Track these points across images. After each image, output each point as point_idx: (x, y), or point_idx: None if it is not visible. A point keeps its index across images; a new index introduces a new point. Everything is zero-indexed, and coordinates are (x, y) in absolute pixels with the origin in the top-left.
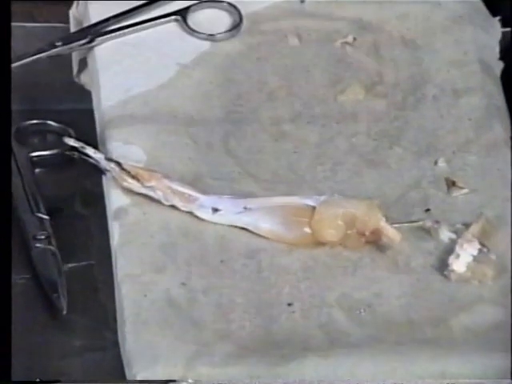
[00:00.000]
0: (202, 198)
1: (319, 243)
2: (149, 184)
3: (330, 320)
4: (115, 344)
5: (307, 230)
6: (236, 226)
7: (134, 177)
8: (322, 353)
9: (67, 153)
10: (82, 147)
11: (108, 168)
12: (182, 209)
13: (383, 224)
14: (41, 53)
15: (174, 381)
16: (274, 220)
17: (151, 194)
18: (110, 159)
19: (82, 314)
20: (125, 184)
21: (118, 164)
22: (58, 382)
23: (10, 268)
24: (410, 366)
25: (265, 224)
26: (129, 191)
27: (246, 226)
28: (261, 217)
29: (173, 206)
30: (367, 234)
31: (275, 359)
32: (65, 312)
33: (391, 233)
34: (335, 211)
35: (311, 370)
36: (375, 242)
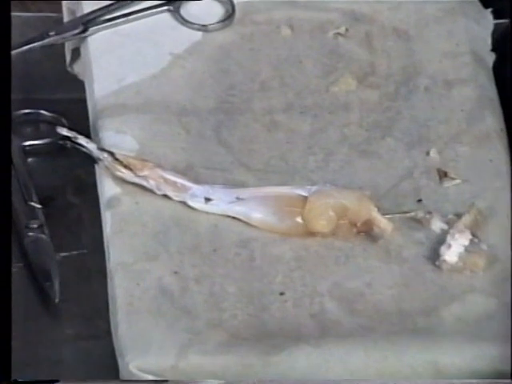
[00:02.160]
0: (195, 187)
1: (311, 233)
2: (141, 173)
3: (321, 309)
4: (108, 332)
5: (299, 220)
6: (228, 216)
7: (126, 166)
8: (313, 342)
9: (60, 142)
10: (75, 137)
11: (100, 157)
12: (175, 198)
13: (375, 214)
14: (34, 42)
15: (167, 381)
16: (266, 210)
17: (144, 183)
18: (102, 149)
19: (74, 302)
20: (117, 173)
21: (111, 154)
22: (57, 381)
23: (9, 270)
24: (401, 355)
25: (257, 214)
26: (121, 180)
27: (238, 216)
28: (253, 207)
29: (165, 196)
30: (359, 224)
31: (267, 348)
32: (57, 300)
33: (383, 223)
34: (327, 202)
35: (303, 358)
36: (367, 232)
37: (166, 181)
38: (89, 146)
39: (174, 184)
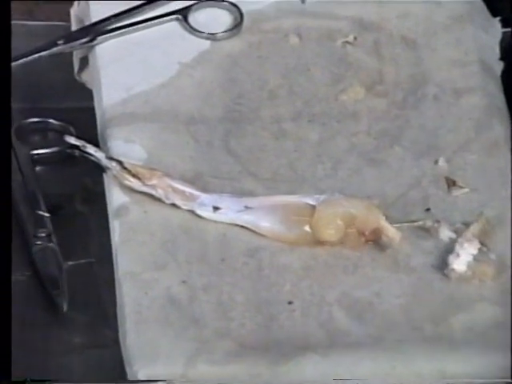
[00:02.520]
0: (203, 196)
1: (319, 242)
2: (150, 182)
3: (330, 318)
4: (116, 341)
5: (307, 229)
6: (236, 225)
7: (134, 175)
8: (322, 351)
9: (68, 151)
10: (83, 146)
11: (109, 166)
12: (183, 207)
13: (383, 223)
14: (42, 51)
15: (164, 380)
16: (275, 219)
17: (152, 192)
18: (110, 158)
19: (82, 311)
20: (126, 182)
21: (119, 162)
22: (56, 381)
23: (9, 269)
24: (409, 364)
25: (265, 223)
26: (130, 189)
27: (246, 225)
28: (261, 216)
29: (174, 205)
30: (367, 233)
31: (275, 357)
32: (65, 309)
33: (391, 232)
34: (335, 211)
35: (311, 368)
36: (375, 241)
37: (175, 190)
38: (97, 154)
39: (183, 193)
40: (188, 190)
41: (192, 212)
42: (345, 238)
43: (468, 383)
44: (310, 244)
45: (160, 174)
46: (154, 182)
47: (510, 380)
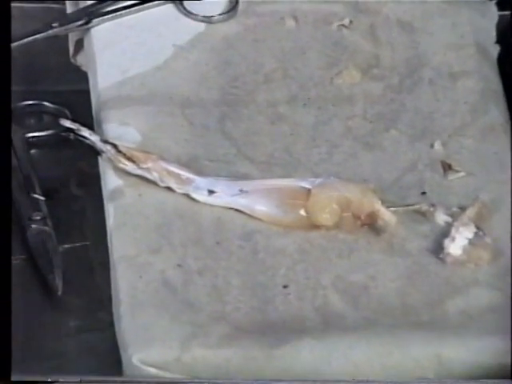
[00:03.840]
0: (198, 179)
1: (314, 226)
2: (144, 165)
3: (325, 302)
4: (110, 325)
5: (302, 212)
6: (232, 208)
7: (129, 158)
8: (317, 335)
9: (63, 134)
10: (78, 129)
11: (104, 149)
12: (178, 191)
13: (378, 207)
14: (37, 34)
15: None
16: (270, 202)
17: (147, 175)
18: (105, 141)
19: (77, 294)
20: (120, 165)
21: (114, 146)
22: (56, 381)
23: (9, 270)
24: (405, 348)
25: (260, 206)
26: (124, 172)
27: (241, 209)
28: (256, 199)
29: (168, 188)
30: (362, 217)
31: (270, 341)
32: (60, 293)
33: (387, 216)
34: (330, 195)
35: (306, 351)
36: (371, 225)
37: (170, 173)
38: (92, 137)
39: (178, 176)
40: (183, 173)
41: (187, 195)
42: (340, 221)
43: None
44: (305, 228)
45: (155, 157)
46: (148, 165)
47: (510, 381)
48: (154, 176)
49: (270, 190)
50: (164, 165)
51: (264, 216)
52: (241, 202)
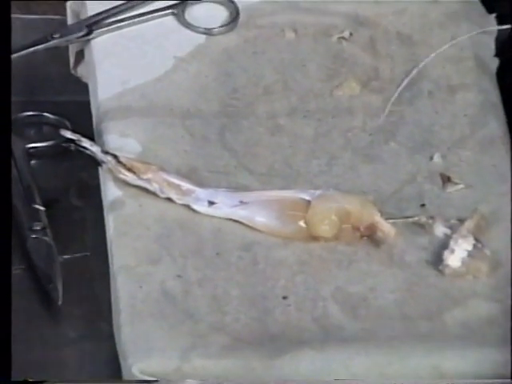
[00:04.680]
0: (198, 190)
1: (314, 238)
2: (145, 176)
3: (324, 313)
4: (110, 335)
5: (302, 224)
6: (231, 219)
7: (129, 169)
8: (316, 346)
9: (63, 145)
10: (79, 140)
11: (104, 160)
12: (178, 201)
13: (377, 219)
14: (38, 45)
15: (157, 381)
16: (270, 214)
17: (147, 186)
18: (106, 152)
19: (77, 304)
20: (121, 176)
21: (114, 156)
22: (56, 381)
23: (9, 271)
24: (404, 359)
25: (260, 218)
26: (125, 183)
27: (241, 220)
28: (256, 211)
29: (169, 199)
30: (362, 228)
31: (270, 352)
32: (60, 303)
33: (386, 227)
34: (329, 206)
35: (306, 362)
36: (370, 236)
37: (170, 184)
38: (92, 148)
39: (178, 187)
40: (183, 184)
41: (187, 206)
42: (340, 233)
43: (468, 383)
44: (304, 239)
45: (155, 168)
46: (149, 175)
47: (510, 381)
48: (154, 187)
49: (269, 202)
50: (164, 176)
51: (264, 227)
52: (241, 214)
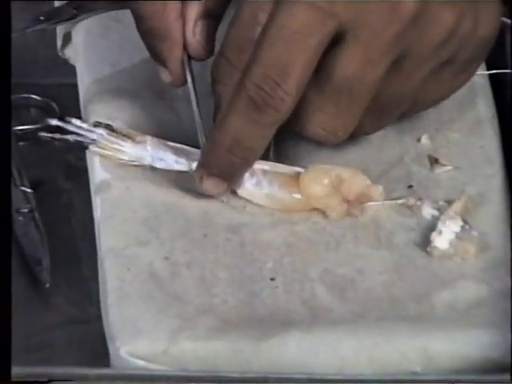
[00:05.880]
0: (199, 152)
1: (306, 204)
2: (141, 138)
3: (312, 295)
4: (98, 317)
5: (296, 195)
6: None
7: (125, 135)
8: (304, 328)
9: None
10: (67, 124)
11: (95, 137)
12: (176, 167)
13: (368, 183)
14: (25, 28)
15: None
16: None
17: (144, 153)
18: (99, 122)
19: (64, 287)
20: (115, 146)
21: (108, 126)
22: (56, 381)
23: (9, 272)
24: (392, 341)
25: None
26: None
27: (238, 193)
28: (251, 185)
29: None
30: (352, 198)
31: (258, 333)
32: (48, 285)
33: (377, 191)
34: (322, 168)
35: (294, 344)
36: (358, 205)
37: (167, 146)
38: (83, 125)
39: (176, 149)
40: (181, 146)
41: (185, 173)
42: (328, 201)
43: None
44: (300, 208)
45: (150, 137)
46: (146, 138)
47: (509, 379)
48: (149, 152)
49: (265, 171)
50: (160, 141)
51: (261, 198)
52: (241, 192)
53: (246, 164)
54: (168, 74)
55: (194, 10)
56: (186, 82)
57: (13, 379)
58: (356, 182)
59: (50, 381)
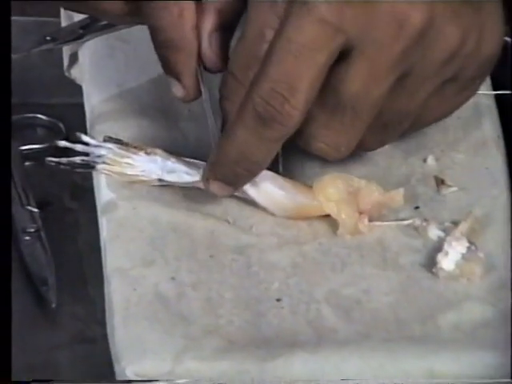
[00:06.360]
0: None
1: (318, 208)
2: (151, 150)
3: (318, 316)
4: (104, 337)
5: (308, 200)
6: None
7: (136, 147)
8: (310, 348)
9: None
10: (73, 145)
11: (103, 152)
12: (186, 178)
13: (382, 191)
14: (32, 48)
15: (156, 380)
16: (279, 191)
17: (153, 166)
18: (109, 137)
19: (71, 307)
20: (125, 160)
21: (119, 141)
22: (51, 381)
23: (9, 271)
24: (397, 362)
25: (271, 193)
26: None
27: (251, 197)
28: (264, 187)
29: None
30: (366, 208)
31: (263, 354)
32: (54, 305)
33: (397, 195)
34: (337, 175)
35: (299, 365)
36: (364, 225)
37: (177, 159)
38: (92, 141)
39: (185, 162)
40: (190, 160)
41: (193, 192)
42: (341, 210)
43: (469, 383)
44: (310, 211)
45: (160, 150)
46: (156, 151)
47: (510, 380)
48: (159, 164)
49: (275, 178)
50: (170, 155)
51: (274, 203)
52: (252, 192)
53: (251, 176)
54: (181, 88)
55: (209, 22)
56: (198, 95)
57: (13, 379)
58: (372, 193)
59: (50, 381)
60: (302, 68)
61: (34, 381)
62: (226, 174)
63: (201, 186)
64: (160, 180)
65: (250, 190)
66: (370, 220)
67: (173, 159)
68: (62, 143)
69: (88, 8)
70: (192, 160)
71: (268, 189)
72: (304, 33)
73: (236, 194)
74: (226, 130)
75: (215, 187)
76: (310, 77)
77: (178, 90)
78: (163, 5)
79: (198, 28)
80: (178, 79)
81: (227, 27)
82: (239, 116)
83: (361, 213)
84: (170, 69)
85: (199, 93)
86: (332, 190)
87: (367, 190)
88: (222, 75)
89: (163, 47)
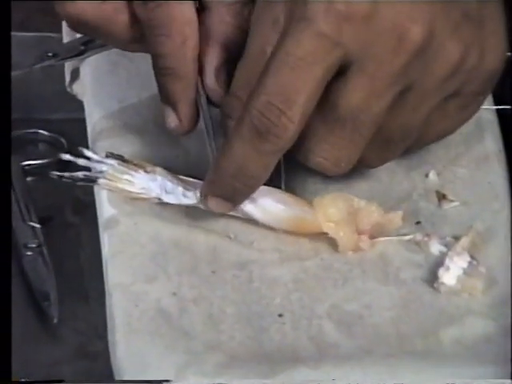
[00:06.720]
0: None
1: (317, 227)
2: (151, 169)
3: (320, 331)
4: (105, 352)
5: (309, 216)
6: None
7: (136, 164)
8: (312, 364)
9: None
10: (77, 159)
11: (105, 168)
12: (183, 201)
13: (382, 212)
14: (34, 64)
15: (168, 381)
16: (276, 204)
17: (152, 184)
18: (111, 153)
19: (72, 322)
20: (125, 177)
21: (120, 156)
22: (62, 381)
23: (9, 271)
24: (399, 377)
25: (268, 208)
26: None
27: (250, 214)
28: (264, 203)
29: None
30: (365, 229)
31: (265, 370)
32: (55, 320)
33: (396, 217)
34: (338, 194)
35: (301, 380)
36: (365, 242)
37: (175, 178)
38: (94, 156)
39: (184, 181)
40: (190, 179)
41: (194, 208)
42: (341, 228)
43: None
44: (308, 227)
45: (160, 168)
46: (155, 169)
47: (510, 381)
48: (159, 183)
49: (273, 192)
50: (170, 174)
51: (270, 217)
52: (249, 208)
53: (250, 191)
54: (175, 119)
55: (214, 56)
56: (192, 128)
57: (13, 379)
58: (371, 214)
59: (50, 381)
60: (299, 81)
61: (34, 381)
62: (224, 190)
63: (200, 206)
64: (159, 199)
65: (247, 206)
66: (371, 237)
67: (171, 178)
68: (66, 157)
69: (95, 32)
70: (192, 179)
71: (266, 203)
72: (302, 46)
73: (235, 213)
74: (223, 145)
75: (213, 204)
76: (307, 90)
77: (172, 121)
78: (167, 32)
79: (200, 60)
80: (174, 108)
81: (232, 61)
82: (236, 129)
83: (360, 233)
84: (167, 97)
85: (193, 126)
86: (333, 210)
87: (367, 211)
88: (225, 94)
89: (163, 74)
